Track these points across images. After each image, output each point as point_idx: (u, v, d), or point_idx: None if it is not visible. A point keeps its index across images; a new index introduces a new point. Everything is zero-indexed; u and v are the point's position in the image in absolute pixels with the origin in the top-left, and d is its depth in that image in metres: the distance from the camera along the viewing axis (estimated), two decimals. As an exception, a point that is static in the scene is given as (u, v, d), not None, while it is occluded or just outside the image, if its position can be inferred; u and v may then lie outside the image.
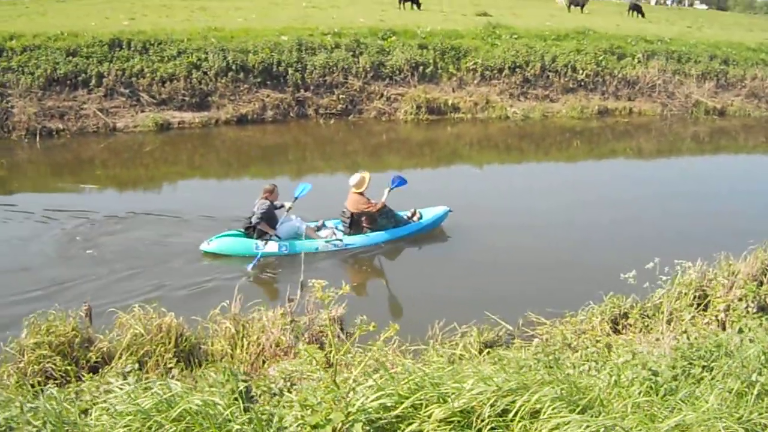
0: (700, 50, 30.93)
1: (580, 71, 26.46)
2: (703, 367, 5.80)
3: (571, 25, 31.20)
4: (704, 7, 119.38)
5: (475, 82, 25.01)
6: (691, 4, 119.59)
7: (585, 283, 10.26)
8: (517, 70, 25.51)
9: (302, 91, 22.16)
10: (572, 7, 49.83)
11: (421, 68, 24.17)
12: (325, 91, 22.51)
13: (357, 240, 12.14)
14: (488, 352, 7.83)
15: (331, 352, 4.32)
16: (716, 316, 9.39)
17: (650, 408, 4.85)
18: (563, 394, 4.65)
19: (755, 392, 5.09)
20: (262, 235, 11.60)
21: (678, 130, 26.34)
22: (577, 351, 7.84)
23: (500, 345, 8.48)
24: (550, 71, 26.08)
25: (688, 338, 7.12)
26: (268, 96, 21.43)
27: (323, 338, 7.95)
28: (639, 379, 5.32)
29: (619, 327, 9.39)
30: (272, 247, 11.63)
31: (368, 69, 23.26)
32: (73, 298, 8.91)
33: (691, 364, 5.88)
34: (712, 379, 5.48)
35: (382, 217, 12.36)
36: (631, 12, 51.59)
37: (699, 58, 30.07)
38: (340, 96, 22.49)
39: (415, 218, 12.95)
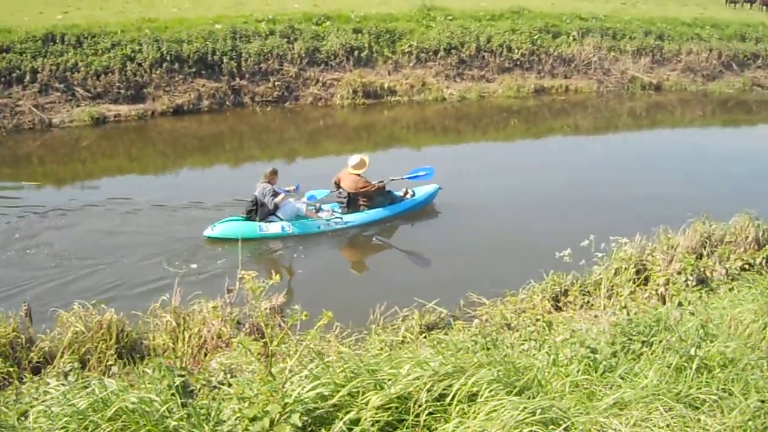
0: (634, 26, 31.77)
1: (516, 51, 27.03)
2: (643, 342, 5.91)
3: (506, 5, 31.86)
4: None
5: (411, 64, 25.48)
6: None
7: (529, 263, 10.48)
8: (452, 51, 26.03)
9: (238, 79, 22.41)
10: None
11: (356, 52, 24.53)
12: (261, 79, 22.75)
13: (356, 218, 13.13)
14: (426, 336, 8.09)
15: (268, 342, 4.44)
16: (656, 290, 9.66)
17: (589, 386, 5.01)
18: (500, 376, 4.72)
19: (694, 366, 5.28)
20: (264, 217, 12.43)
21: (614, 106, 27.15)
22: (517, 330, 8.07)
23: (442, 328, 8.61)
24: (485, 52, 26.59)
25: (628, 314, 7.28)
26: (203, 86, 21.58)
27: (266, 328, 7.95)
28: (577, 357, 5.46)
29: (561, 304, 9.62)
30: (275, 228, 12.52)
31: (303, 55, 23.56)
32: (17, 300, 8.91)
33: (630, 339, 5.98)
34: (653, 354, 5.62)
35: (378, 196, 13.32)
36: None
37: (634, 34, 30.96)
38: (276, 83, 22.74)
39: (408, 196, 13.95)
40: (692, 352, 5.43)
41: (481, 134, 22.66)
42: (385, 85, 24.33)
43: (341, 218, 13.01)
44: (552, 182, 15.97)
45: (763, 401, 4.89)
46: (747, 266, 10.67)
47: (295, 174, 14.32)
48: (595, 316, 8.79)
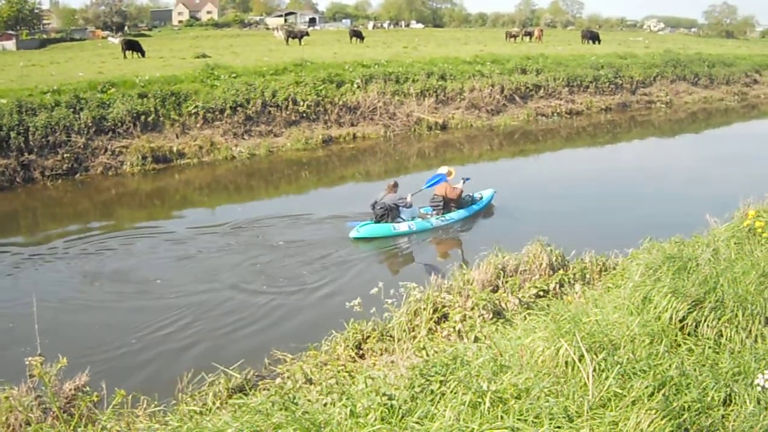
0: (416, 69, 36.11)
1: (301, 103, 30.44)
2: (441, 382, 6.27)
3: (288, 58, 35.26)
4: (420, 26, 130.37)
5: (199, 125, 27.92)
6: (407, 25, 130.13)
7: (334, 315, 11.51)
8: (238, 109, 28.83)
9: (26, 154, 23.60)
10: (290, 39, 56.20)
11: (143, 117, 26.58)
12: (50, 152, 24.15)
13: (454, 215, 18.98)
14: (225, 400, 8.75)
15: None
16: (454, 327, 10.29)
17: (387, 433, 5.50)
18: (298, 435, 5.19)
19: (487, 401, 5.70)
20: (393, 219, 17.85)
21: (403, 149, 30.70)
22: (318, 384, 8.71)
23: (250, 389, 9.09)
24: (271, 106, 29.89)
25: (427, 354, 8.00)
26: (-8, 163, 22.82)
27: (72, 409, 8.46)
28: (374, 405, 5.85)
29: (363, 352, 10.17)
30: (403, 227, 17.99)
31: (90, 124, 25.27)
32: None
33: (428, 380, 6.34)
34: (451, 392, 5.99)
35: (462, 199, 19.28)
36: (352, 38, 58.45)
37: (417, 76, 35.22)
38: (65, 155, 24.21)
39: (479, 198, 20.10)
40: (485, 386, 5.82)
41: (274, 189, 24.88)
42: (174, 149, 26.47)
43: (444, 217, 18.72)
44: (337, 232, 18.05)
45: (559, 427, 5.46)
46: (542, 293, 11.80)
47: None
48: (392, 362, 9.32)
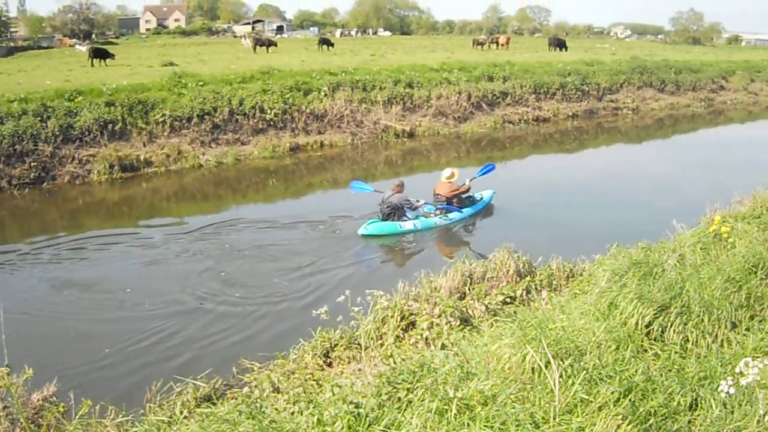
0: (384, 77, 36.44)
1: (269, 111, 30.61)
2: (408, 389, 6.30)
3: (256, 66, 35.51)
4: (388, 33, 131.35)
5: (166, 133, 27.97)
6: (375, 32, 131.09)
7: (306, 322, 11.49)
8: (205, 117, 28.98)
9: None
10: (258, 47, 56.59)
11: (110, 126, 26.65)
12: (17, 161, 24.20)
13: (456, 215, 20.06)
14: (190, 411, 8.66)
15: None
16: (422, 334, 10.32)
17: (354, 441, 5.48)
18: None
19: (454, 408, 5.71)
20: (400, 218, 18.99)
21: (370, 157, 30.97)
22: (286, 393, 8.68)
23: (218, 398, 9.23)
24: (238, 114, 30.04)
25: (394, 362, 7.91)
26: (-41, 172, 22.94)
27: (40, 420, 8.43)
28: (341, 413, 5.87)
29: (331, 360, 10.17)
30: (409, 225, 19.07)
31: (57, 133, 25.35)
32: None
33: (395, 388, 6.37)
34: (419, 399, 5.98)
35: (465, 198, 20.39)
36: (320, 46, 59.22)
37: (384, 84, 35.57)
38: (32, 164, 24.28)
39: (479, 198, 21.20)
40: (451, 394, 5.82)
41: (241, 197, 24.87)
42: (141, 157, 26.47)
43: (447, 216, 19.86)
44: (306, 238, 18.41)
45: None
46: (509, 299, 11.80)
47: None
48: (359, 369, 9.29)
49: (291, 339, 11.16)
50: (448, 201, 20.02)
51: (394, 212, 18.89)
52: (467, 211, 20.46)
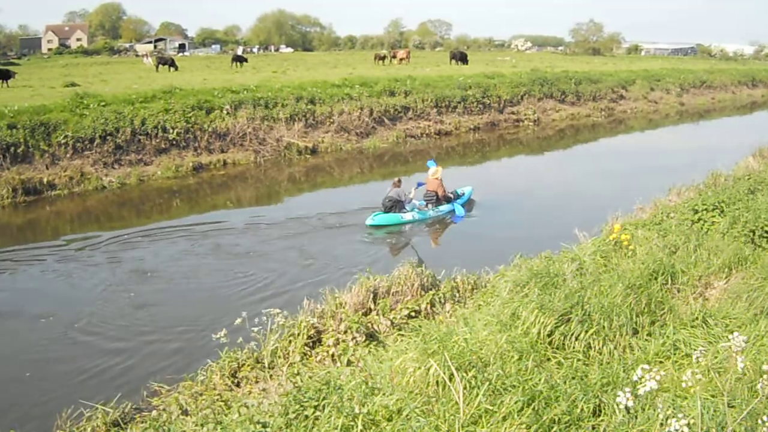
0: (286, 94, 37.17)
1: (171, 130, 31.14)
2: (315, 406, 6.45)
3: (158, 85, 35.77)
4: (290, 50, 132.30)
5: (68, 155, 28.05)
6: (277, 49, 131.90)
7: (213, 346, 11.38)
8: (108, 137, 29.18)
9: None
10: (161, 66, 56.95)
11: (12, 149, 26.56)
12: None
13: (445, 208, 23.68)
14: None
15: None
16: (328, 351, 10.55)
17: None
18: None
19: (359, 424, 5.85)
20: (400, 210, 22.26)
21: (274, 175, 31.62)
22: (194, 415, 8.77)
23: (127, 422, 9.33)
24: (141, 134, 30.38)
25: (301, 380, 8.09)
26: None
27: None
28: None
29: (239, 381, 10.27)
30: (408, 216, 22.46)
31: None
32: None
33: (302, 406, 6.51)
34: (327, 416, 6.14)
35: (449, 194, 23.94)
36: (234, 63, 60.38)
37: (286, 101, 36.32)
38: None
39: (462, 193, 24.87)
40: (357, 410, 5.91)
41: (146, 218, 24.66)
42: (45, 180, 26.49)
43: (438, 208, 23.48)
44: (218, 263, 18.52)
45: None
46: (414, 313, 12.08)
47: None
48: (264, 389, 9.53)
49: (201, 360, 11.35)
50: (437, 196, 23.62)
51: (395, 205, 22.31)
52: (459, 202, 24.19)
